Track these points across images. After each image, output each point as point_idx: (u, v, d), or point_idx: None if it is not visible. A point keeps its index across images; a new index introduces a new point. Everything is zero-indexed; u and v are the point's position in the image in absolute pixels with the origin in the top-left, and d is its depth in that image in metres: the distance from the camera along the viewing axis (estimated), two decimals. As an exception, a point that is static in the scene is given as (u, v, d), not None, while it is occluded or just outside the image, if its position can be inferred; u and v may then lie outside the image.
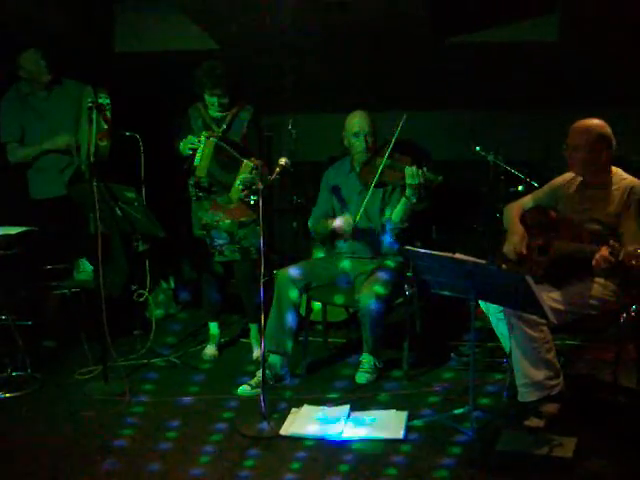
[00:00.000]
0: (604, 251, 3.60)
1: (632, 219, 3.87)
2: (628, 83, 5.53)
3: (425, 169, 4.40)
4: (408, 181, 4.42)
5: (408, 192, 4.47)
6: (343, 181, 4.83)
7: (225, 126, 4.82)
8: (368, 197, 4.59)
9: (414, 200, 4.49)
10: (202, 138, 4.71)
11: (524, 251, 4.06)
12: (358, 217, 4.61)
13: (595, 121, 4.00)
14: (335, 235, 4.81)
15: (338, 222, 4.69)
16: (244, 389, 4.44)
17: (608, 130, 3.98)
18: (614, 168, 4.06)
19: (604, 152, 3.97)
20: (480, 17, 5.35)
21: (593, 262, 3.65)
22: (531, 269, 3.94)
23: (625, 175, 4.05)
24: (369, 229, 4.72)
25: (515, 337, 3.81)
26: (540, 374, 3.78)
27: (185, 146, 4.76)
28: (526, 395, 3.84)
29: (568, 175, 4.22)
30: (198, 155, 4.72)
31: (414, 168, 4.40)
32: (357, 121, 4.69)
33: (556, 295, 3.88)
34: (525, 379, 3.82)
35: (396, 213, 4.61)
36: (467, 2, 5.22)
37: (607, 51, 5.34)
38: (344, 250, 4.82)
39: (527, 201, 4.30)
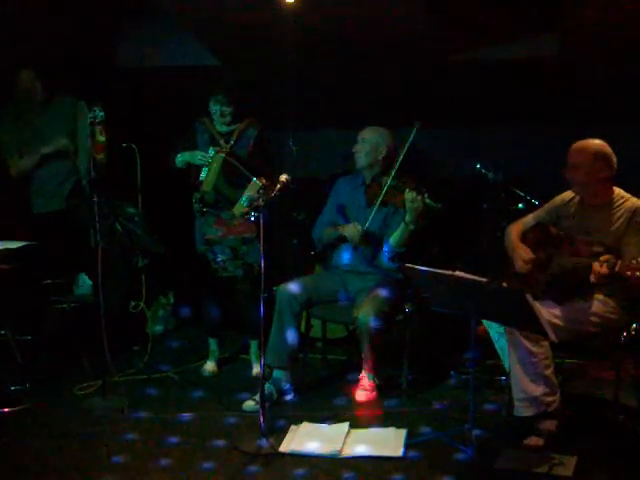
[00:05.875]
0: (599, 263, 3.60)
1: (635, 239, 3.86)
2: (630, 99, 5.55)
3: (426, 195, 4.34)
4: (407, 205, 4.39)
5: (408, 217, 4.42)
6: (351, 193, 4.83)
7: (233, 141, 4.83)
8: (373, 214, 4.58)
9: (412, 228, 4.45)
10: (211, 153, 4.73)
11: (533, 257, 4.05)
12: (367, 225, 4.59)
13: (594, 140, 4.00)
14: (336, 245, 4.80)
15: (346, 230, 4.67)
16: (249, 404, 4.41)
17: (607, 149, 3.98)
18: (615, 188, 4.05)
19: (603, 171, 3.97)
20: (482, 34, 5.37)
21: (591, 276, 3.65)
22: (533, 286, 3.94)
23: (627, 195, 4.04)
24: (369, 246, 4.71)
25: (515, 351, 3.80)
26: (538, 390, 3.77)
27: (184, 160, 4.78)
28: (522, 410, 3.82)
29: (568, 194, 4.22)
30: (205, 169, 4.74)
31: (414, 193, 4.35)
32: (366, 130, 4.74)
33: (558, 312, 3.87)
34: (522, 394, 3.80)
35: (394, 238, 4.57)
36: (469, 20, 5.25)
37: (608, 67, 5.37)
38: (343, 264, 4.80)
39: (528, 220, 4.31)
